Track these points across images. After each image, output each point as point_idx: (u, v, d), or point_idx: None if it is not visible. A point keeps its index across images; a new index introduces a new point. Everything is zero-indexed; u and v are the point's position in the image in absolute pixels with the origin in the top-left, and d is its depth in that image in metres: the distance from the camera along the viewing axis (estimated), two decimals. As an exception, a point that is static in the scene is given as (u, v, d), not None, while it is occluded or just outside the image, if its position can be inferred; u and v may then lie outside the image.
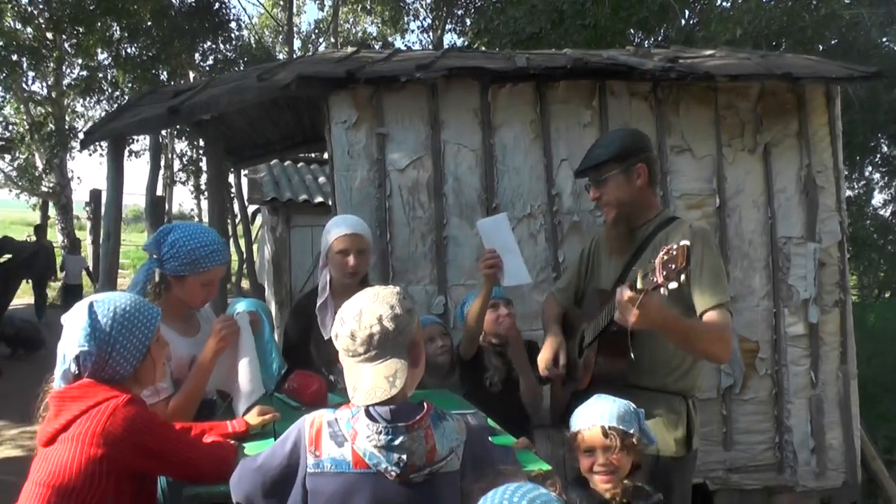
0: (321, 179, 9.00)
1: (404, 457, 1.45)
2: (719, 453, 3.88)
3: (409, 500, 1.47)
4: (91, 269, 12.11)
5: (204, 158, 14.43)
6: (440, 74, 3.65)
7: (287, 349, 2.68)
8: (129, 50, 14.36)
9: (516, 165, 3.81)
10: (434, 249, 3.74)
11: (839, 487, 3.99)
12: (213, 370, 2.16)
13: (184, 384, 2.13)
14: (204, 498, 1.74)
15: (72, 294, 10.48)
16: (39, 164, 15.69)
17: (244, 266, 11.90)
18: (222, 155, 5.56)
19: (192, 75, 14.77)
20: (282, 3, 21.46)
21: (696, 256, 2.05)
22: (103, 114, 14.39)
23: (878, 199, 14.79)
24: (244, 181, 9.50)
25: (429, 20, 18.80)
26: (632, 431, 1.81)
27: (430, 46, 17.37)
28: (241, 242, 10.34)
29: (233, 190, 9.84)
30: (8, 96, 15.64)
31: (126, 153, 10.09)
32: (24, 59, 13.64)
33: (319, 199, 8.38)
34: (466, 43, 12.86)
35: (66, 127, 15.46)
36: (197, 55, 15.28)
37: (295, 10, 22.14)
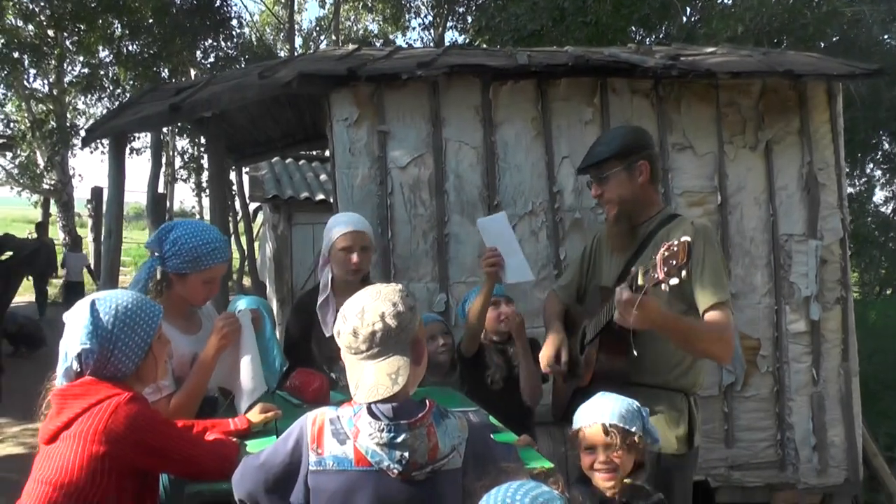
0: (322, 177, 9.00)
1: (406, 454, 1.45)
2: (721, 450, 3.89)
3: (411, 497, 1.47)
4: (92, 266, 12.13)
5: (205, 156, 14.40)
6: (441, 72, 3.66)
7: (288, 347, 2.68)
8: (130, 47, 14.33)
9: (517, 163, 3.81)
10: (435, 247, 3.74)
11: (840, 484, 4.00)
12: (214, 368, 2.16)
13: (185, 382, 2.13)
14: (206, 495, 1.74)
15: (73, 291, 10.50)
16: (41, 161, 15.66)
17: (245, 264, 11.90)
18: (224, 152, 5.56)
19: (193, 73, 14.74)
20: (283, 0, 21.43)
21: (698, 254, 2.05)
22: (105, 111, 14.38)
23: (879, 196, 14.77)
24: (245, 179, 9.48)
25: (430, 17, 18.77)
26: (633, 430, 1.80)
27: (432, 44, 17.36)
28: (243, 240, 10.36)
29: (234, 187, 9.83)
30: (9, 94, 15.63)
31: (127, 150, 10.12)
32: (25, 56, 13.61)
33: (321, 196, 8.36)
34: (468, 40, 12.85)
35: (68, 124, 15.42)
36: (198, 53, 15.24)
37: (296, 7, 22.10)
